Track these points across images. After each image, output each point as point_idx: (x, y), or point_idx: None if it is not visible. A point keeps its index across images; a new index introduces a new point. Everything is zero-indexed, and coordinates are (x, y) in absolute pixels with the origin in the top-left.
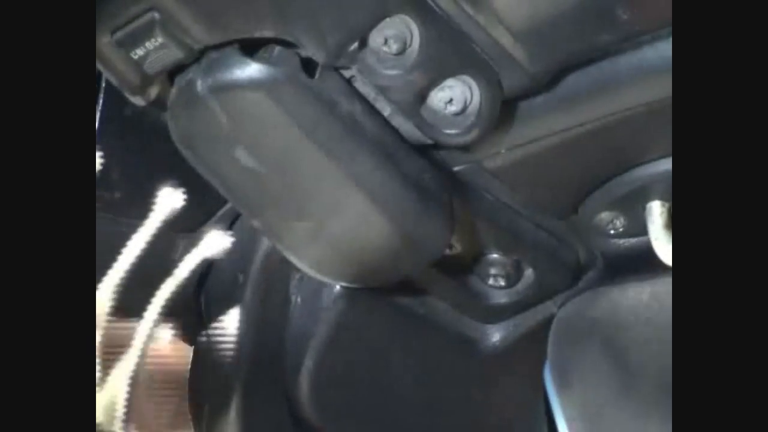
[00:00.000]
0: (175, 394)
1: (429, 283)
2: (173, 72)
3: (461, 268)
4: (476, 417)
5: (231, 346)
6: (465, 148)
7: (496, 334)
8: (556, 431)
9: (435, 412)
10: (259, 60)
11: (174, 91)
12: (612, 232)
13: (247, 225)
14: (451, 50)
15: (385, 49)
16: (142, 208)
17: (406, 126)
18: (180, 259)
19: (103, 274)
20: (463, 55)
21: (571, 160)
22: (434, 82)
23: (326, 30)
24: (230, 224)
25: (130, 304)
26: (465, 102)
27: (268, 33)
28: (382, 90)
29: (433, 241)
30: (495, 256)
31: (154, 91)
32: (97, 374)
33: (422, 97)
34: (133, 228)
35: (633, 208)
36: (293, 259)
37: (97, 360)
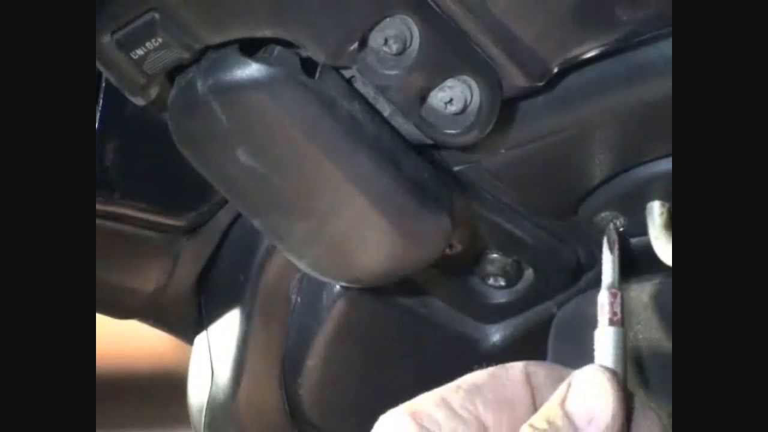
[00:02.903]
0: (174, 394)
1: (429, 283)
2: (173, 72)
3: (461, 268)
4: None
5: (231, 346)
6: (465, 148)
7: (496, 334)
8: None
9: None
10: (259, 60)
11: (174, 91)
12: None
13: (247, 225)
14: (451, 50)
15: (385, 49)
16: (142, 208)
17: (406, 126)
18: (182, 258)
19: (102, 274)
20: (463, 55)
21: (571, 160)
22: (434, 82)
23: (326, 30)
24: (230, 224)
25: (132, 305)
26: (465, 102)
27: (268, 33)
28: (382, 90)
29: (434, 241)
30: (495, 256)
31: (154, 91)
32: None
33: (422, 97)
34: (132, 228)
35: (633, 208)
36: (293, 259)
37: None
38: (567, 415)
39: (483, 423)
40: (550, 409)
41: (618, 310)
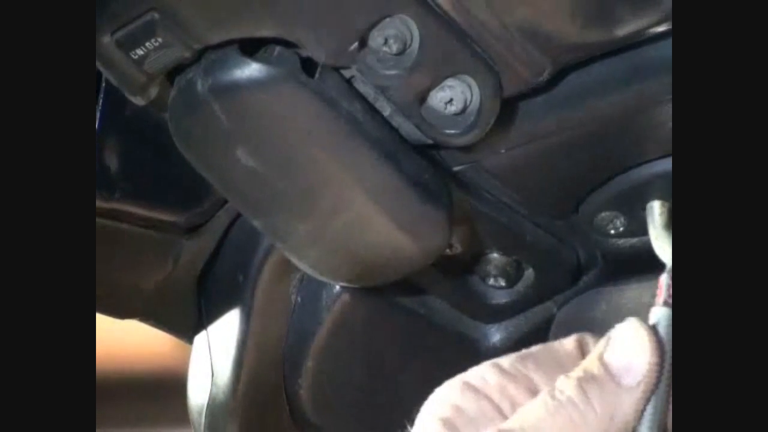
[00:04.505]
0: (174, 394)
1: (429, 283)
2: (173, 72)
3: (461, 268)
4: None
5: (231, 346)
6: (465, 148)
7: (496, 334)
8: None
9: None
10: (259, 60)
11: (174, 91)
12: (612, 232)
13: (247, 225)
14: (451, 50)
15: (385, 49)
16: (142, 207)
17: (406, 126)
18: (182, 258)
19: (102, 273)
20: (463, 55)
21: (571, 159)
22: (434, 82)
23: (326, 30)
24: (230, 224)
25: (132, 304)
26: (465, 102)
27: (268, 33)
28: (382, 90)
29: (433, 240)
30: (495, 256)
31: (154, 91)
32: None
33: (422, 97)
34: (132, 227)
35: (633, 208)
36: (294, 259)
37: None
38: (604, 366)
39: (532, 381)
40: (588, 361)
41: (671, 293)
